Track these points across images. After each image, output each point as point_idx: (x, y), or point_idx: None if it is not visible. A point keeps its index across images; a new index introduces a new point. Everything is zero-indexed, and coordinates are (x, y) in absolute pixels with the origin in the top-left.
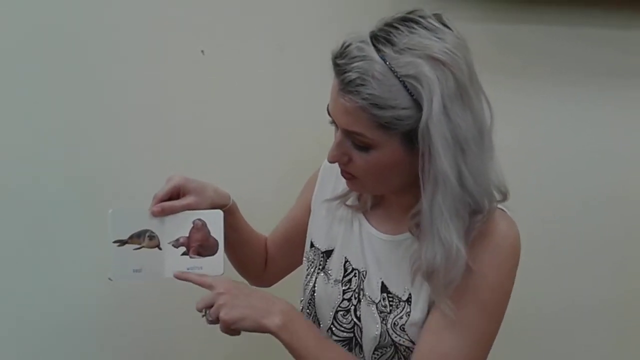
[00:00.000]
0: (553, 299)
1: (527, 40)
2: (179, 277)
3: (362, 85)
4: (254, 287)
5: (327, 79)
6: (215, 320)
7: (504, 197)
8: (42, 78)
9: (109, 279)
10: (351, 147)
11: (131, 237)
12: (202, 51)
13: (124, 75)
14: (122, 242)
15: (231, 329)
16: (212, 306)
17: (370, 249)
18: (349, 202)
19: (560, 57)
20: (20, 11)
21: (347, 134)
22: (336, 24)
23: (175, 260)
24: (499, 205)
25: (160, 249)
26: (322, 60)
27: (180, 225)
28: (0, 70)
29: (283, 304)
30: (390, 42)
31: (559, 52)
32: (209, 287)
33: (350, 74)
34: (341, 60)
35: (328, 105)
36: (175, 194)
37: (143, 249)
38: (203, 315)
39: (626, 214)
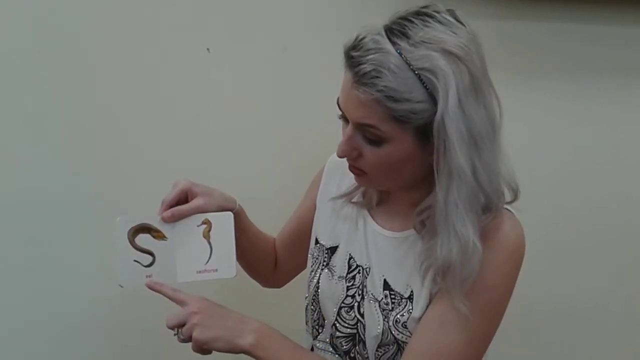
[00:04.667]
0: (560, 298)
1: (535, 38)
2: (151, 288)
3: (378, 77)
4: (226, 307)
5: (332, 79)
6: (188, 339)
7: (515, 194)
8: (44, 77)
9: (120, 286)
10: (362, 141)
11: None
12: (208, 49)
13: (128, 74)
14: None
15: (203, 349)
16: (184, 324)
17: (374, 246)
18: (354, 200)
19: (568, 55)
20: (22, 10)
21: (359, 127)
22: (340, 24)
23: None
24: (507, 207)
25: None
26: (326, 60)
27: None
28: (2, 71)
29: (255, 323)
30: (405, 35)
31: (567, 50)
32: (181, 303)
33: (365, 66)
34: (355, 53)
35: (338, 99)
36: (183, 198)
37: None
38: (175, 334)
39: (636, 213)
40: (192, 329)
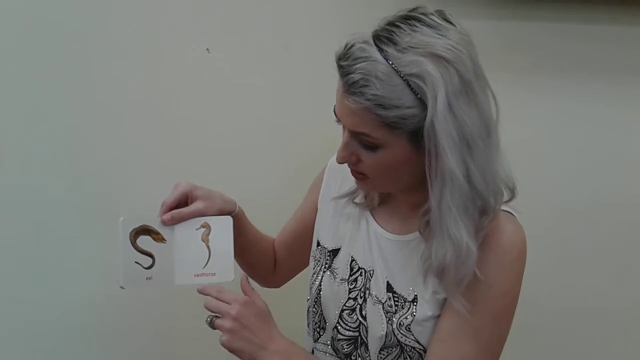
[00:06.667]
0: (559, 298)
1: (535, 38)
2: (201, 292)
3: (366, 86)
4: (264, 318)
5: (333, 79)
6: (213, 328)
7: (512, 193)
8: (45, 78)
9: (121, 287)
10: (359, 147)
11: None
12: (208, 49)
13: (129, 74)
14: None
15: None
16: (219, 317)
17: (377, 248)
18: (356, 200)
19: (568, 55)
20: (22, 10)
21: (354, 134)
22: (342, 23)
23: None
24: (507, 208)
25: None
26: (327, 59)
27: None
28: (3, 71)
29: (283, 342)
30: (392, 42)
31: (567, 50)
32: (227, 300)
33: (353, 75)
34: (344, 62)
35: (335, 106)
36: (183, 201)
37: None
38: (207, 320)
39: (635, 214)
40: (222, 330)
